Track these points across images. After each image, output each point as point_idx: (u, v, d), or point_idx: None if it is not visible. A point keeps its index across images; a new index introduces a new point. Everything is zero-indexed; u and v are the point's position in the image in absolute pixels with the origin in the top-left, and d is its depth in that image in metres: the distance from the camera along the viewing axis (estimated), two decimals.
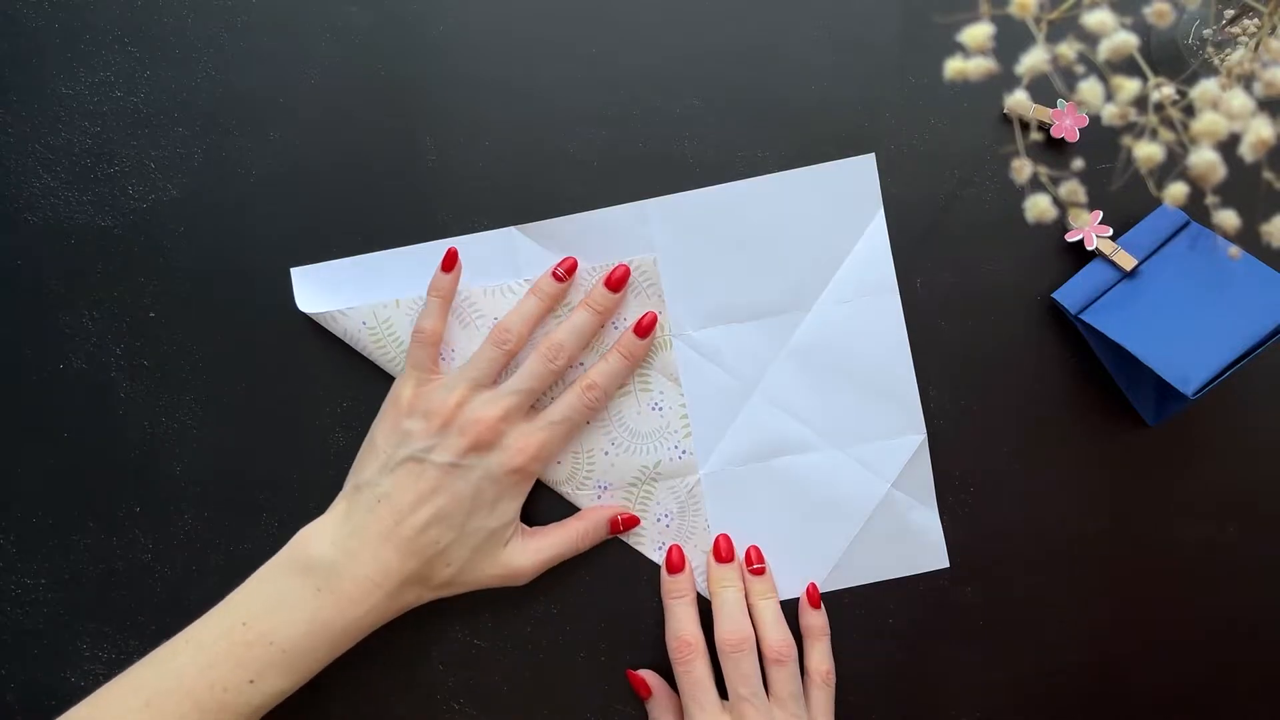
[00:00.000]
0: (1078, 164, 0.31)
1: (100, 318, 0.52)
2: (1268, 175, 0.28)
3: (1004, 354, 0.53)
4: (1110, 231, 0.51)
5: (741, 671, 0.48)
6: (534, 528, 0.51)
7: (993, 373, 0.53)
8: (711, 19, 0.52)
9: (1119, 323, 0.49)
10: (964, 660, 0.53)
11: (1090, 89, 0.28)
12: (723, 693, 0.49)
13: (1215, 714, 0.53)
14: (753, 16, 0.52)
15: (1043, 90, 0.49)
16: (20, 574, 0.52)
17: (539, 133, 0.52)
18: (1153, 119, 0.28)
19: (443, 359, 0.51)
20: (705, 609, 0.52)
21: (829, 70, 0.52)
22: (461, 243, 0.52)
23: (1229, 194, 0.27)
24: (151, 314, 0.52)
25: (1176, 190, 0.28)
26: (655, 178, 0.52)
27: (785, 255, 0.52)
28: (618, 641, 0.53)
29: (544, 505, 0.53)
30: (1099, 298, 0.51)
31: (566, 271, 0.50)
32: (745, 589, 0.51)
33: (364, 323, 0.51)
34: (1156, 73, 0.29)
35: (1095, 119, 0.51)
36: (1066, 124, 0.51)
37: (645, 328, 0.51)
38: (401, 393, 0.49)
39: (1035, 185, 0.31)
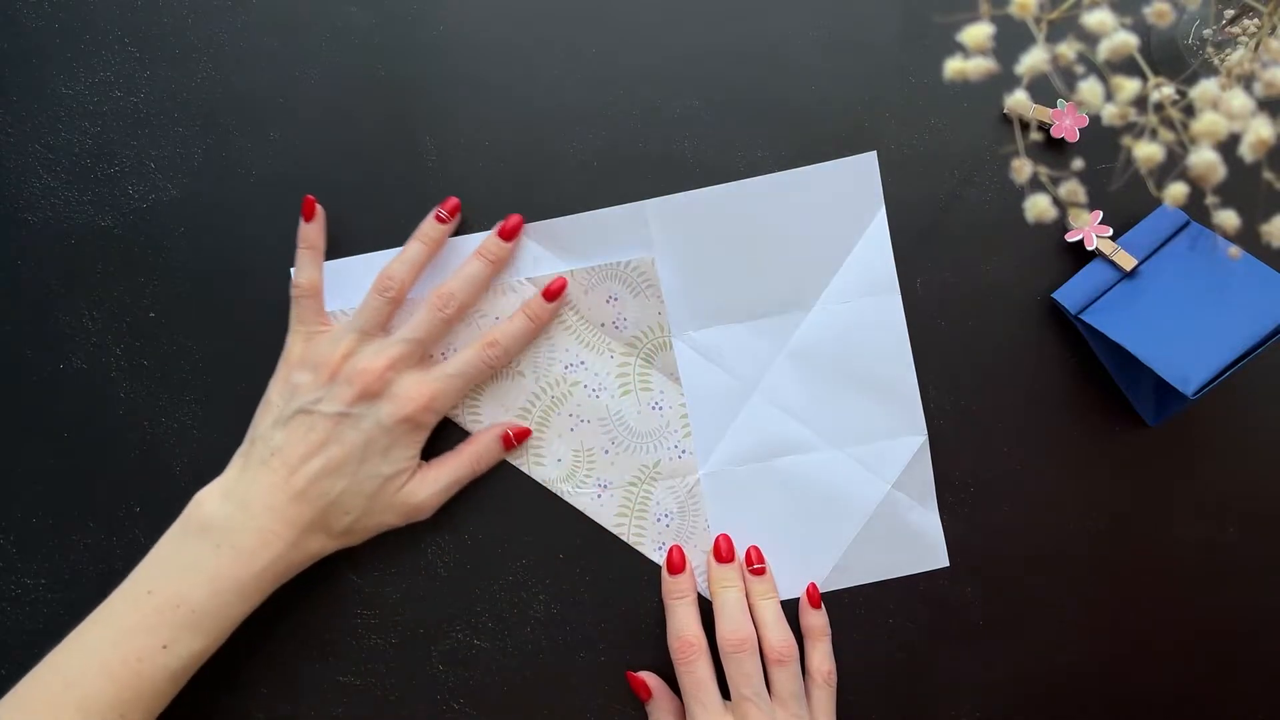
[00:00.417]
0: (1078, 164, 0.31)
1: (100, 318, 0.52)
2: (1268, 175, 0.28)
3: (1004, 354, 0.53)
4: (1110, 231, 0.51)
5: (744, 671, 0.48)
6: (429, 461, 0.51)
7: (993, 373, 0.53)
8: (711, 19, 0.52)
9: (1119, 323, 0.49)
10: (964, 660, 0.53)
11: (1090, 89, 0.28)
12: (724, 693, 0.49)
13: (1215, 714, 0.53)
14: (753, 16, 0.52)
15: (1043, 90, 0.49)
16: (20, 574, 0.52)
17: (539, 133, 0.52)
18: (1153, 119, 0.28)
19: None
20: (706, 609, 0.52)
21: (829, 70, 0.52)
22: (462, 242, 0.52)
23: (1229, 194, 0.27)
24: (151, 314, 0.52)
25: (1176, 190, 0.28)
26: (655, 178, 0.52)
27: (786, 255, 0.52)
28: (618, 641, 0.53)
29: (542, 503, 0.53)
30: (1099, 298, 0.51)
31: (450, 212, 0.50)
32: (746, 589, 0.51)
33: None
34: (1156, 73, 0.29)
35: (1095, 119, 0.51)
36: (1066, 124, 0.51)
37: (553, 293, 0.51)
38: (291, 348, 0.49)
39: (1035, 185, 0.31)
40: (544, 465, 0.53)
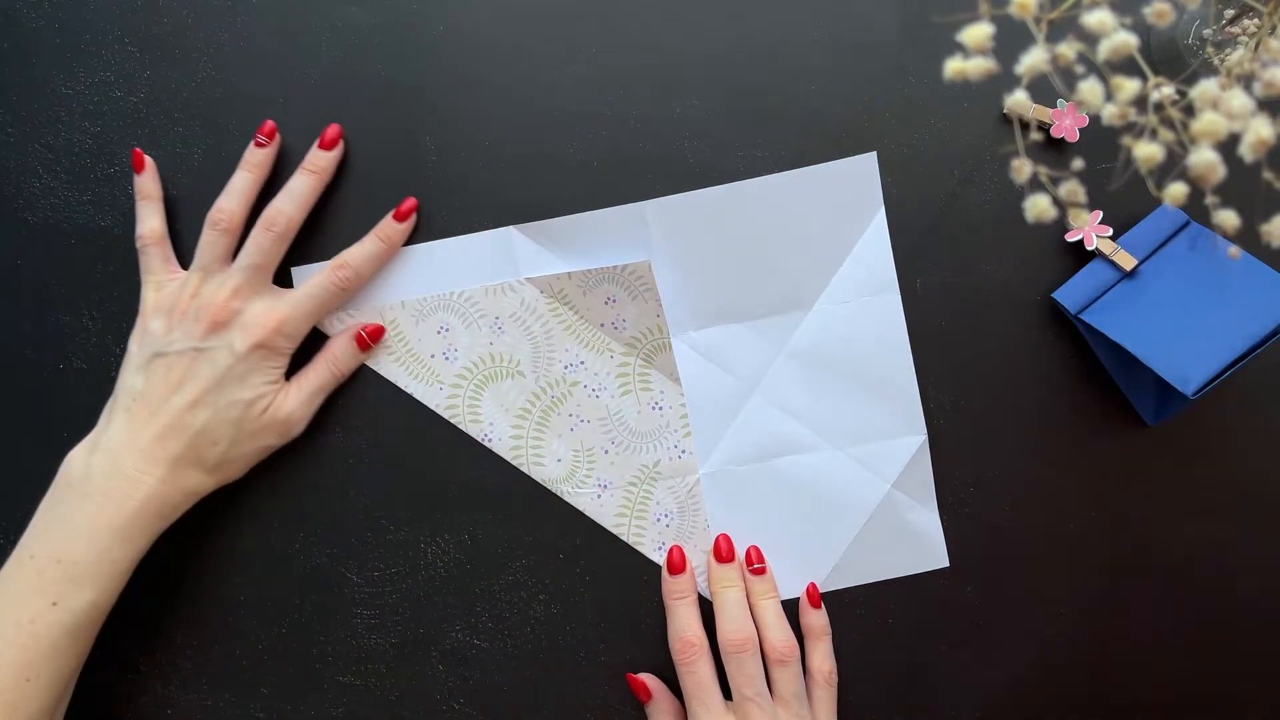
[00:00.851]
0: (1078, 164, 0.31)
1: (100, 318, 0.52)
2: (1268, 175, 0.28)
3: (1004, 354, 0.53)
4: (1110, 231, 0.51)
5: (746, 672, 0.48)
6: (290, 377, 0.51)
7: (993, 373, 0.53)
8: (711, 19, 0.52)
9: (1119, 323, 0.49)
10: (964, 660, 0.53)
11: (1090, 89, 0.28)
12: (725, 694, 0.49)
13: (1214, 714, 0.53)
14: (752, 17, 0.52)
15: (1043, 90, 0.49)
16: None
17: (539, 133, 0.52)
18: (1153, 119, 0.28)
19: (446, 358, 0.52)
20: (706, 609, 0.52)
21: (829, 70, 0.52)
22: (461, 242, 0.52)
23: (1229, 194, 0.27)
24: None
25: (1176, 190, 0.28)
26: (655, 178, 0.52)
27: (786, 255, 0.52)
28: (618, 641, 0.53)
29: (542, 503, 0.53)
30: (1099, 298, 0.51)
31: (268, 136, 0.50)
32: (746, 589, 0.51)
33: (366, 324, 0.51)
34: (1156, 73, 0.29)
35: (1095, 119, 0.51)
36: (1066, 124, 0.51)
37: (404, 213, 0.51)
38: (145, 299, 0.50)
39: (1035, 185, 0.31)
40: (544, 465, 0.53)
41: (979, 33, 0.28)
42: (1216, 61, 0.48)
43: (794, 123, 0.52)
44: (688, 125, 0.52)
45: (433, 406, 0.52)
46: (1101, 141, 0.51)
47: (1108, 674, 0.53)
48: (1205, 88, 0.27)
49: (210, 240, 0.49)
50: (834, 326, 0.52)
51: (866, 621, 0.53)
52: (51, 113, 0.52)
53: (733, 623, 0.49)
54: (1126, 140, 0.28)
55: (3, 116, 0.52)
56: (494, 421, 0.52)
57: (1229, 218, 0.27)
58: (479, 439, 0.52)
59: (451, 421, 0.52)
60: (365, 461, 0.52)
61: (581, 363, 0.52)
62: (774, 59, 0.52)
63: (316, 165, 0.50)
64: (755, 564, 0.52)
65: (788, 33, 0.52)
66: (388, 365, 0.52)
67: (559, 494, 0.53)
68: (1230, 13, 0.48)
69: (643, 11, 0.52)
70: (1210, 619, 0.53)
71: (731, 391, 0.53)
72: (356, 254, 0.51)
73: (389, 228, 0.51)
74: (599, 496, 0.53)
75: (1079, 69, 0.28)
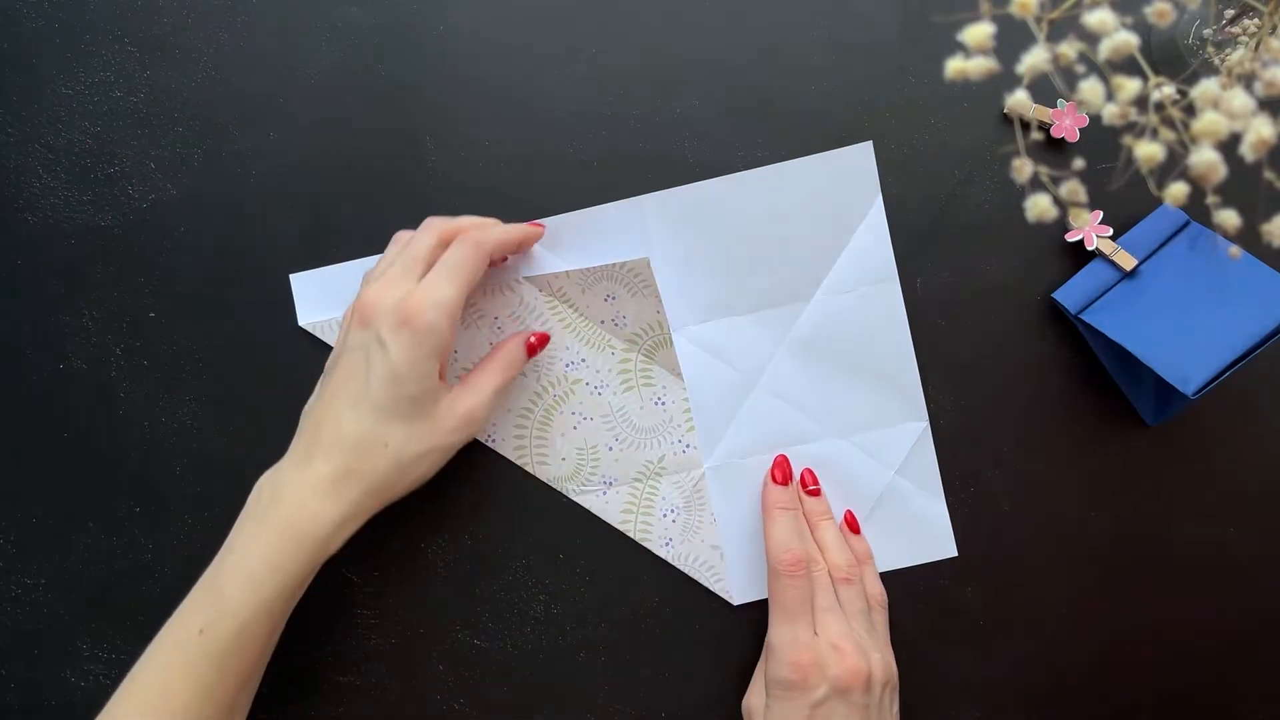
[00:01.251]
0: (1078, 164, 0.31)
1: (100, 318, 0.52)
2: (1268, 175, 0.28)
3: (1004, 354, 0.53)
4: (1110, 231, 0.51)
5: (820, 585, 0.48)
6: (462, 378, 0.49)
7: (993, 373, 0.53)
8: (711, 19, 0.52)
9: (1119, 323, 0.49)
10: (964, 660, 0.53)
11: (1091, 89, 0.28)
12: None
13: (1215, 714, 0.53)
14: (752, 16, 0.52)
15: (1043, 90, 0.49)
16: (20, 574, 0.52)
17: (539, 133, 0.52)
18: (1153, 119, 0.28)
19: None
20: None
21: (829, 70, 0.52)
22: None
23: (1229, 194, 0.27)
24: (151, 314, 0.52)
25: (1177, 190, 0.28)
26: (655, 178, 0.52)
27: (785, 246, 0.52)
28: (618, 641, 0.53)
29: (542, 503, 0.53)
30: (1099, 298, 0.51)
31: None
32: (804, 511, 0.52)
33: None
34: (1157, 72, 0.29)
35: (1095, 119, 0.51)
36: (1066, 124, 0.51)
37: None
38: None
39: (1035, 185, 0.31)
40: (548, 464, 0.53)
41: (980, 32, 0.28)
42: (1217, 61, 0.48)
43: (794, 123, 0.52)
44: (688, 125, 0.52)
45: None
46: (1102, 141, 0.51)
47: (1108, 674, 0.53)
48: (1206, 87, 0.27)
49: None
50: (834, 316, 0.52)
51: None
52: (51, 113, 0.52)
53: (791, 540, 0.49)
54: (1127, 140, 0.28)
55: (3, 116, 0.52)
56: (496, 421, 0.52)
57: (1230, 217, 0.27)
58: (482, 440, 0.52)
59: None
60: None
61: (582, 360, 0.52)
62: (774, 59, 0.52)
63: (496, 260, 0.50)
64: (810, 485, 0.52)
65: (788, 33, 0.52)
66: None
67: (565, 493, 0.53)
68: (1230, 13, 0.48)
69: (643, 11, 0.52)
70: (1210, 619, 0.53)
71: (734, 384, 0.53)
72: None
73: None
74: (604, 494, 0.53)
75: (1080, 68, 0.28)
